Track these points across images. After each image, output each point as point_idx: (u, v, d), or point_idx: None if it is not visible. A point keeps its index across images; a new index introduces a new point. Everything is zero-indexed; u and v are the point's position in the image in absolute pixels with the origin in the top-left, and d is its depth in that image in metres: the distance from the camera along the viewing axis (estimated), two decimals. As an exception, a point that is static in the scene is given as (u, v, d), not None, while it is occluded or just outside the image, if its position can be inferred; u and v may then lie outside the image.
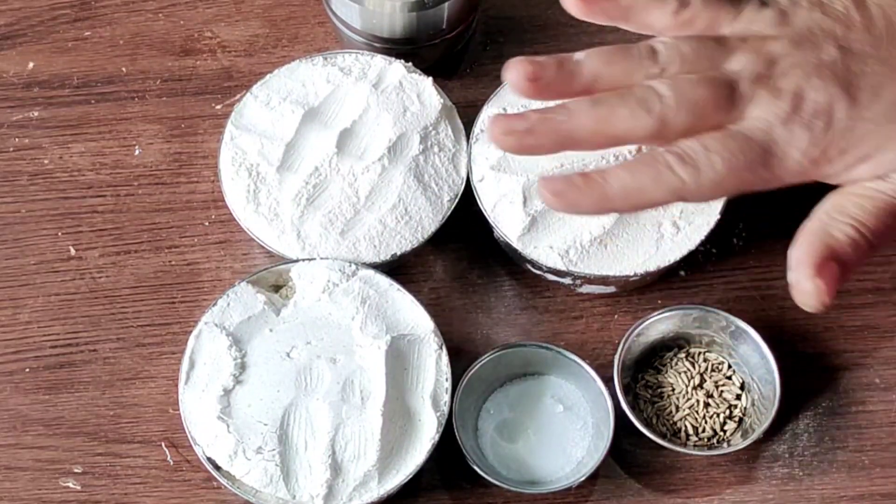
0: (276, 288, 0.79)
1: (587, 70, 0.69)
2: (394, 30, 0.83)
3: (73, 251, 0.84)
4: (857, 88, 0.70)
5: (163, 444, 0.80)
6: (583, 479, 0.76)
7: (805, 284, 0.69)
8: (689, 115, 0.68)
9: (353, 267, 0.78)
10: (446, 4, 0.82)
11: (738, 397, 0.80)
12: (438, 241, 0.81)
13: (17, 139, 0.87)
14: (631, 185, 0.67)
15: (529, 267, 0.82)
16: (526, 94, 0.69)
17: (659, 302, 0.83)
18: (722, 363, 0.81)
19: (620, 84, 0.69)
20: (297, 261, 0.79)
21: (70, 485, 0.79)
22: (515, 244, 0.79)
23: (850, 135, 0.70)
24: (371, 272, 0.78)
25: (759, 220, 0.85)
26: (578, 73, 0.69)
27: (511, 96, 0.82)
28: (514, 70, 0.68)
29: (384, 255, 0.79)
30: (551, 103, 0.69)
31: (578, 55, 0.69)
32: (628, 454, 0.80)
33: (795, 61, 0.70)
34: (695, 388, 0.80)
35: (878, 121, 0.70)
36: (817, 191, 0.86)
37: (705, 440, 0.79)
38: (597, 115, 0.68)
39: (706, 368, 0.81)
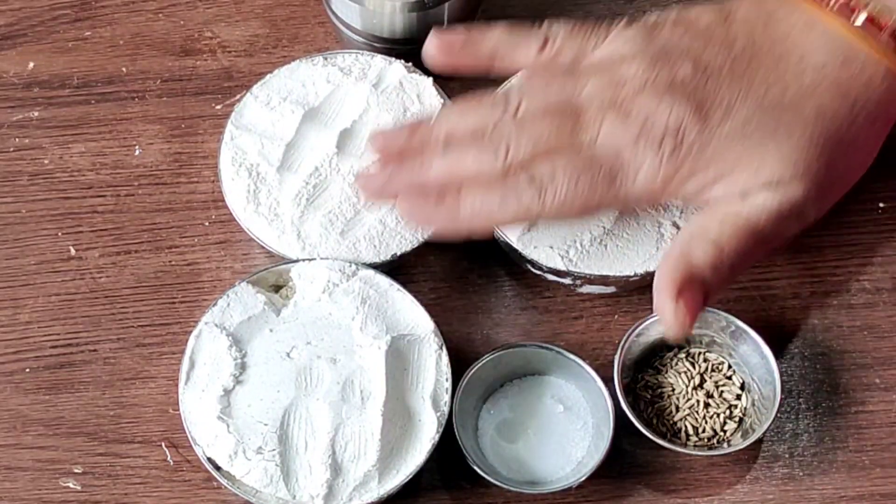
0: (277, 288, 0.79)
1: (441, 129, 0.72)
2: (394, 30, 0.83)
3: (73, 251, 0.84)
4: (710, 107, 0.70)
5: (163, 444, 0.80)
6: (583, 479, 0.76)
7: (666, 308, 0.70)
8: (531, 148, 0.69)
9: (354, 267, 0.78)
10: (446, 4, 0.82)
11: (739, 397, 0.80)
12: (438, 241, 0.81)
13: (17, 139, 0.87)
14: (479, 208, 0.70)
15: (529, 267, 0.82)
16: (381, 162, 0.74)
17: (659, 302, 0.83)
18: (722, 363, 0.81)
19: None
20: (297, 261, 0.79)
21: (70, 485, 0.79)
22: (515, 244, 0.79)
23: (702, 155, 0.70)
24: (371, 272, 0.78)
25: (760, 220, 0.85)
26: (433, 137, 0.72)
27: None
28: (373, 143, 0.74)
29: (384, 256, 0.79)
30: None
31: (436, 115, 0.73)
32: (628, 454, 0.80)
33: (646, 80, 0.70)
34: (695, 388, 0.80)
35: (730, 139, 0.70)
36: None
37: (705, 440, 0.79)
38: (446, 163, 0.70)
39: (706, 368, 0.81)
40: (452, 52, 0.73)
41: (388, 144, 0.73)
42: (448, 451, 0.77)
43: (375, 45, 0.85)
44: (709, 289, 0.71)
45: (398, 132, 0.73)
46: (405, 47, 0.85)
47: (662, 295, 0.71)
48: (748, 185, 0.70)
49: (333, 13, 0.85)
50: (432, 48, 0.73)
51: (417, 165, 0.71)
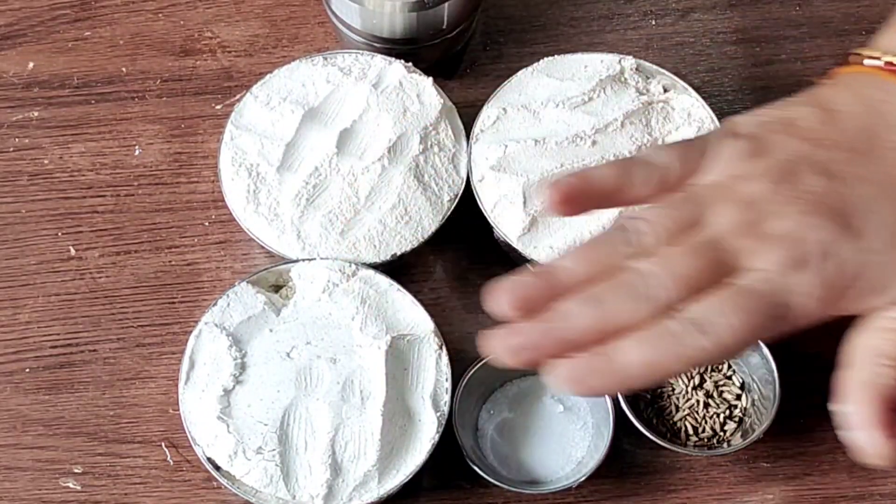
0: (277, 288, 0.79)
1: (573, 277, 0.65)
2: (394, 30, 0.83)
3: (73, 251, 0.84)
4: (851, 217, 0.66)
5: (163, 444, 0.80)
6: (583, 479, 0.76)
7: (883, 449, 0.65)
8: (683, 290, 0.64)
9: (353, 267, 0.78)
10: (446, 4, 0.82)
11: (738, 397, 0.80)
12: (438, 241, 0.81)
13: (17, 139, 0.87)
14: (651, 361, 0.63)
15: (529, 267, 0.81)
16: (513, 320, 0.65)
17: (659, 302, 0.83)
18: (722, 363, 0.81)
19: (602, 274, 0.65)
20: (297, 261, 0.79)
21: (70, 485, 0.79)
22: (515, 244, 0.79)
23: (859, 269, 0.66)
24: (371, 272, 0.78)
25: (760, 220, 0.85)
26: (565, 285, 0.65)
27: (511, 96, 0.82)
28: (498, 299, 0.65)
29: (384, 256, 0.79)
30: None
31: (563, 261, 0.66)
32: (628, 454, 0.80)
33: (781, 201, 0.66)
34: (695, 388, 0.80)
35: (883, 248, 0.66)
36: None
37: (705, 440, 0.79)
38: (597, 317, 0.64)
39: (706, 368, 0.81)
40: (574, 201, 0.69)
41: (517, 297, 0.64)
42: (448, 451, 0.77)
43: (375, 45, 0.85)
44: None
45: (522, 283, 0.65)
46: (405, 47, 0.85)
47: (870, 434, 0.65)
48: None
49: (333, 13, 0.85)
50: (551, 200, 0.66)
51: (560, 319, 0.64)
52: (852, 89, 0.70)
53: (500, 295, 0.64)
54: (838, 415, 0.66)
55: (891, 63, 0.70)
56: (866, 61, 0.71)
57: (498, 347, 0.64)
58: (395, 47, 0.85)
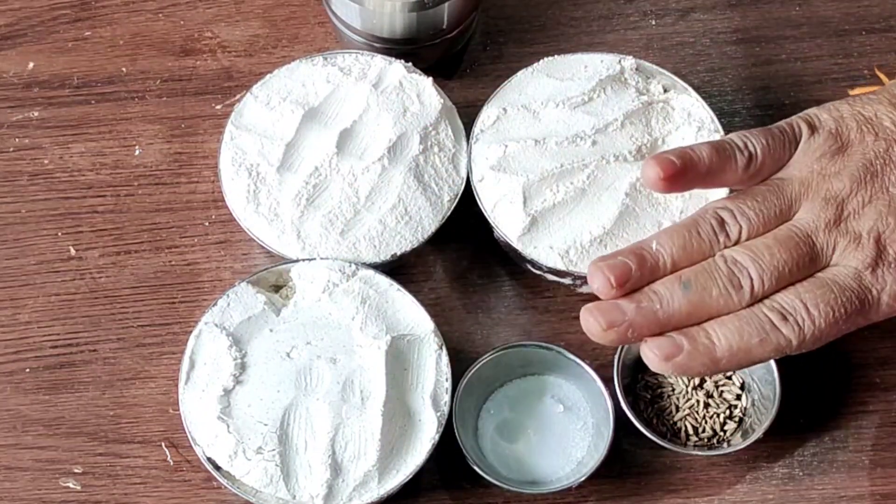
0: (277, 288, 0.79)
1: (666, 260, 0.69)
2: (394, 30, 0.83)
3: (73, 251, 0.84)
4: None
5: (163, 444, 0.80)
6: (583, 479, 0.76)
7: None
8: (775, 281, 0.68)
9: (353, 267, 0.78)
10: (446, 4, 0.82)
11: (738, 397, 0.80)
12: (438, 241, 0.81)
13: (17, 139, 0.87)
14: (738, 345, 0.67)
15: (529, 267, 0.82)
16: (613, 298, 0.69)
17: (659, 302, 0.83)
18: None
19: (695, 261, 0.69)
20: (297, 261, 0.79)
21: (70, 485, 0.79)
22: (515, 244, 0.79)
23: None
24: (371, 272, 0.78)
25: (760, 220, 0.85)
26: (660, 265, 0.69)
27: (511, 96, 0.82)
28: (599, 277, 0.69)
29: (384, 255, 0.79)
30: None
31: (654, 244, 0.69)
32: (628, 454, 0.80)
33: (863, 200, 0.69)
34: (695, 388, 0.80)
35: None
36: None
37: (705, 440, 0.79)
38: (689, 300, 0.68)
39: (706, 368, 0.81)
40: (676, 179, 0.71)
41: (618, 276, 0.68)
42: (448, 451, 0.77)
43: (375, 45, 0.85)
44: None
45: (624, 263, 0.69)
46: (405, 47, 0.85)
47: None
48: None
49: (333, 13, 0.85)
50: (656, 177, 0.70)
51: (657, 303, 0.68)
52: None
53: (603, 271, 0.68)
54: None
55: None
56: None
57: (597, 322, 0.68)
58: (395, 47, 0.85)
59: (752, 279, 0.68)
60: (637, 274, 0.69)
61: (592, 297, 0.83)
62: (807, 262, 0.69)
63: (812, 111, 0.73)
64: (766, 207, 0.70)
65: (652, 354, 0.67)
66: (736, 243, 0.69)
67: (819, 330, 0.68)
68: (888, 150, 0.71)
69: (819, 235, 0.69)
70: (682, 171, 0.71)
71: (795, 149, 0.72)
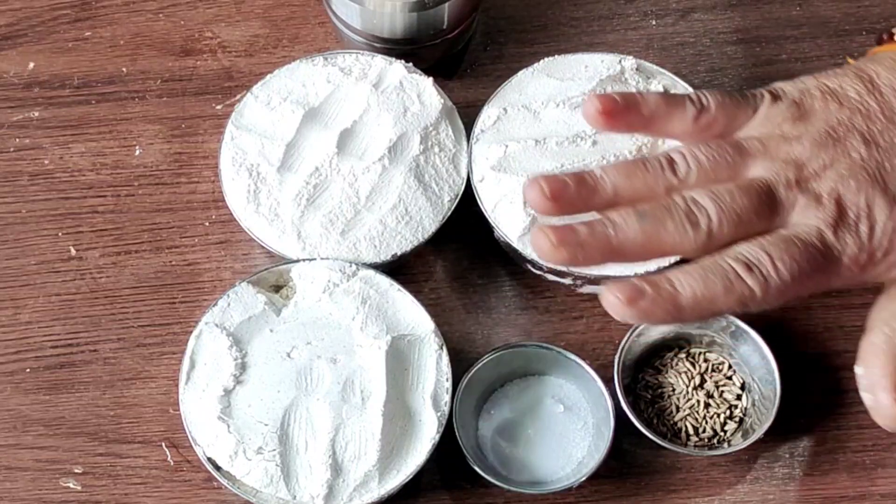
0: (277, 288, 0.79)
1: (608, 185, 0.68)
2: (394, 30, 0.83)
3: (73, 251, 0.84)
4: (893, 185, 0.68)
5: (163, 444, 0.80)
6: (583, 479, 0.76)
7: (891, 410, 0.67)
8: (733, 227, 0.67)
9: (354, 267, 0.78)
10: (447, 4, 0.82)
11: (739, 397, 0.80)
12: (439, 241, 0.81)
13: (17, 139, 0.87)
14: (702, 294, 0.65)
15: (530, 267, 0.82)
16: (546, 213, 0.68)
17: (659, 302, 0.83)
18: (722, 363, 0.81)
19: (641, 197, 0.68)
20: (297, 261, 0.79)
21: (70, 485, 0.79)
22: (516, 244, 0.79)
23: (894, 235, 0.68)
24: (371, 272, 0.78)
25: (760, 220, 0.85)
26: (599, 190, 0.68)
27: (512, 96, 0.82)
28: (535, 189, 0.67)
29: (384, 256, 0.79)
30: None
31: (597, 170, 0.68)
32: (629, 454, 0.80)
33: (824, 163, 0.68)
34: (695, 388, 0.80)
35: None
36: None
37: (706, 440, 0.79)
38: (643, 231, 0.66)
39: (706, 369, 0.81)
40: (615, 116, 0.70)
41: (553, 189, 0.67)
42: (448, 452, 0.77)
43: (375, 45, 0.85)
44: None
45: (561, 179, 0.68)
46: (405, 47, 0.85)
47: (882, 396, 0.68)
48: None
49: (334, 13, 0.85)
50: (594, 111, 0.69)
51: (611, 228, 0.66)
52: (893, 65, 0.72)
53: (538, 182, 0.67)
54: (857, 377, 0.68)
55: None
56: None
57: (548, 238, 0.66)
58: (396, 47, 0.85)
59: (710, 219, 0.66)
60: (574, 192, 0.67)
61: (593, 298, 0.83)
62: (767, 214, 0.67)
63: (777, 83, 0.73)
64: (719, 156, 0.69)
65: (614, 298, 0.65)
66: (684, 185, 0.68)
67: (784, 283, 0.66)
68: (851, 118, 0.70)
69: (780, 190, 0.68)
70: (623, 110, 0.70)
71: (754, 114, 0.71)
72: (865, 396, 0.68)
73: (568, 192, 0.67)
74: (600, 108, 0.69)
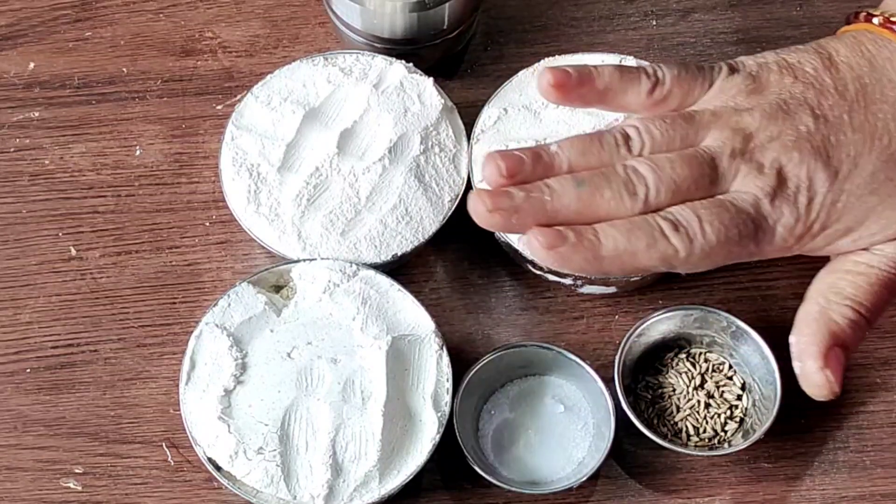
0: (277, 288, 0.79)
1: (563, 161, 0.69)
2: (394, 30, 0.83)
3: (73, 251, 0.84)
4: (836, 160, 0.69)
5: (164, 444, 0.80)
6: (584, 479, 0.76)
7: (814, 377, 0.69)
8: (671, 195, 0.68)
9: (354, 267, 0.78)
10: (447, 5, 0.81)
11: (739, 398, 0.80)
12: (439, 241, 0.81)
13: (17, 139, 0.87)
14: (624, 247, 0.67)
15: (530, 267, 0.82)
16: (500, 187, 0.68)
17: (660, 302, 0.83)
18: (723, 364, 0.81)
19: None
20: (297, 261, 0.79)
21: (71, 485, 0.79)
22: (516, 245, 0.79)
23: (833, 209, 0.69)
24: (372, 272, 0.78)
25: (760, 220, 0.85)
26: (554, 166, 0.69)
27: (512, 96, 0.82)
28: (490, 164, 0.68)
29: (385, 256, 0.79)
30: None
31: (553, 146, 0.69)
32: (629, 455, 0.80)
33: (771, 135, 0.69)
34: (696, 388, 0.80)
35: (859, 193, 0.69)
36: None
37: (706, 441, 0.79)
38: (580, 197, 0.67)
39: (707, 369, 0.81)
40: (568, 89, 0.71)
41: (509, 166, 0.68)
42: (449, 452, 0.77)
43: (376, 45, 0.85)
44: (850, 346, 0.71)
45: (518, 156, 0.69)
46: (405, 48, 0.85)
47: (809, 363, 0.70)
48: (876, 239, 0.70)
49: (334, 13, 0.85)
50: (546, 85, 0.70)
51: (547, 195, 0.67)
52: (855, 43, 0.73)
53: (496, 160, 0.68)
54: (790, 345, 0.70)
55: (888, 20, 0.72)
56: (874, 20, 0.73)
57: (483, 204, 0.67)
58: (396, 48, 0.85)
59: (647, 188, 0.67)
60: (529, 168, 0.68)
61: (593, 299, 0.83)
62: (706, 184, 0.68)
63: (739, 57, 0.74)
64: (672, 130, 0.70)
65: (536, 242, 0.66)
66: (639, 157, 0.69)
67: (709, 246, 0.67)
68: (804, 92, 0.71)
69: (723, 160, 0.69)
70: (577, 84, 0.71)
71: (710, 87, 0.72)
72: (795, 365, 0.70)
73: (523, 168, 0.68)
74: (552, 82, 0.70)
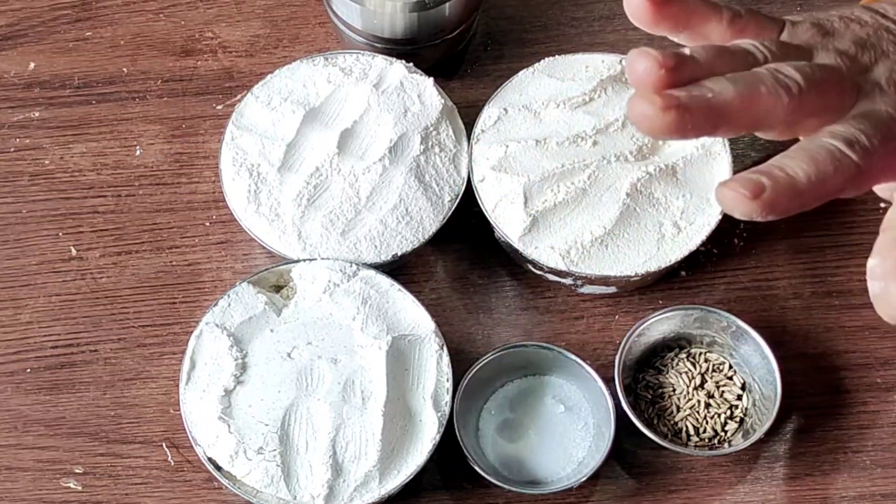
0: (277, 288, 0.79)
1: (706, 60, 0.68)
2: (395, 30, 0.83)
3: (74, 251, 0.84)
4: None
5: (164, 444, 0.80)
6: (584, 479, 0.76)
7: (892, 299, 0.68)
8: (816, 96, 0.67)
9: (354, 267, 0.78)
10: (447, 4, 0.81)
11: (739, 398, 0.80)
12: (439, 241, 0.81)
13: (17, 139, 0.87)
14: (815, 174, 0.66)
15: (530, 267, 0.82)
16: (655, 85, 0.66)
17: (660, 302, 0.83)
18: (723, 363, 0.81)
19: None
20: (298, 261, 0.79)
21: (71, 485, 0.79)
22: (516, 244, 0.79)
23: None
24: (372, 272, 0.78)
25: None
26: (700, 65, 0.67)
27: (512, 96, 0.82)
28: (645, 58, 0.66)
29: (385, 256, 0.79)
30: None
31: (687, 50, 0.68)
32: (629, 454, 0.80)
33: (870, 60, 0.70)
34: (696, 388, 0.80)
35: None
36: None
37: (706, 440, 0.79)
38: (739, 93, 0.66)
39: (707, 369, 0.81)
40: (660, 5, 0.72)
41: (666, 58, 0.66)
42: (449, 452, 0.77)
43: (376, 45, 0.85)
44: None
45: (668, 52, 0.67)
46: (406, 47, 0.85)
47: (893, 285, 0.70)
48: None
49: (334, 13, 0.85)
50: (638, 2, 0.70)
51: (708, 91, 0.66)
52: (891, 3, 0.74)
53: (649, 53, 0.66)
54: (870, 269, 0.69)
55: None
56: None
57: (649, 105, 0.65)
58: (396, 48, 0.85)
59: (798, 84, 0.67)
60: (679, 63, 0.67)
61: (593, 299, 0.83)
62: (846, 89, 0.69)
63: (789, 16, 0.74)
64: (782, 49, 0.70)
65: (738, 194, 0.65)
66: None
67: (878, 157, 0.67)
68: (877, 31, 0.72)
69: (843, 72, 0.69)
70: (665, 3, 0.71)
71: (779, 33, 0.73)
72: (874, 285, 0.69)
73: (677, 62, 0.67)
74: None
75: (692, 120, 0.67)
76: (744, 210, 0.66)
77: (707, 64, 0.69)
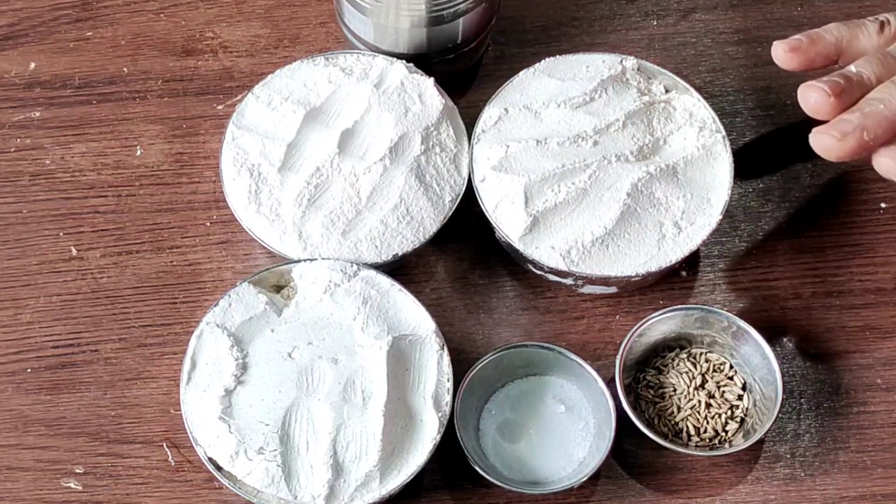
0: (278, 288, 0.79)
1: (870, 75, 0.72)
2: (409, 45, 0.83)
3: (74, 251, 0.84)
4: None
5: (164, 444, 0.80)
6: (584, 479, 0.76)
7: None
8: None
9: (355, 267, 0.78)
10: (462, 19, 0.81)
11: (740, 398, 0.80)
12: (440, 241, 0.81)
13: (18, 139, 0.87)
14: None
15: (531, 267, 0.82)
16: (827, 111, 0.71)
17: (661, 302, 0.83)
18: (723, 364, 0.81)
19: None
20: (298, 261, 0.79)
21: (72, 485, 0.79)
22: (517, 244, 0.79)
23: None
24: (372, 272, 0.78)
25: (761, 220, 0.85)
26: (864, 82, 0.72)
27: (513, 96, 0.82)
28: (814, 91, 0.71)
29: (386, 256, 0.79)
30: None
31: (853, 67, 0.72)
32: (630, 455, 0.80)
33: None
34: (696, 388, 0.80)
35: None
36: (819, 195, 0.86)
37: (707, 441, 0.79)
38: None
39: (708, 369, 0.81)
40: (804, 51, 0.74)
41: (832, 86, 0.71)
42: (449, 452, 0.77)
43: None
44: None
45: (833, 79, 0.72)
46: (420, 63, 0.84)
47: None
48: None
49: (347, 28, 0.85)
50: (783, 53, 0.74)
51: (879, 103, 0.70)
52: None
53: (815, 86, 0.71)
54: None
55: None
56: None
57: (829, 136, 0.70)
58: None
59: None
60: (847, 86, 0.71)
61: (594, 299, 0.83)
62: None
63: (879, 16, 0.77)
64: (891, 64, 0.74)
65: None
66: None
67: None
68: None
69: None
70: (810, 44, 0.74)
71: (878, 34, 0.75)
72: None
73: (844, 87, 0.71)
74: (787, 49, 0.75)
75: (873, 133, 0.71)
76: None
77: (873, 75, 0.72)
